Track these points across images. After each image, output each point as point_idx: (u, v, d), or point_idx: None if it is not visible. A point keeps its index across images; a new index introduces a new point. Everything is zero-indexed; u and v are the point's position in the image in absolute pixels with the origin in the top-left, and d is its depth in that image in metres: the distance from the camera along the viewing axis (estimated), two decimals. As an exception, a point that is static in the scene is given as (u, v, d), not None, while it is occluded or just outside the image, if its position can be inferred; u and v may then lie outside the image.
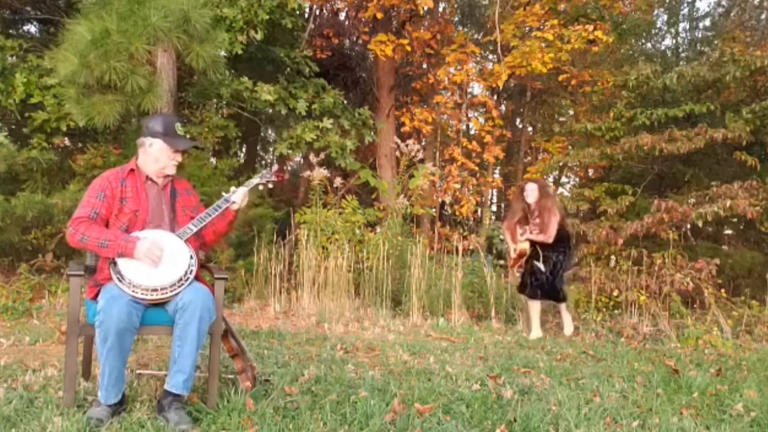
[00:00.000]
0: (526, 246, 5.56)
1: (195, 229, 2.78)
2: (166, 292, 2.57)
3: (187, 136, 3.02)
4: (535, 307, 5.60)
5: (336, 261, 6.27)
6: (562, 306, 5.66)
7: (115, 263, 2.58)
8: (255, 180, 3.09)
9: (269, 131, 13.61)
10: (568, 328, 5.62)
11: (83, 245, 2.63)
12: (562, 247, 5.54)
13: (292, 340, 4.64)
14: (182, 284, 2.60)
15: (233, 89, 7.81)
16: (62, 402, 2.60)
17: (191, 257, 2.68)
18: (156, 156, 2.81)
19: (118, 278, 2.55)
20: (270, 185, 3.15)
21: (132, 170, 2.84)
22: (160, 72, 5.78)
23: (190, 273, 2.64)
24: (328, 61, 10.32)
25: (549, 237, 5.47)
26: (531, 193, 5.61)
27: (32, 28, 9.67)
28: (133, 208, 2.75)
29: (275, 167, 3.21)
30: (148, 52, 5.52)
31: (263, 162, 15.76)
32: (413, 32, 10.36)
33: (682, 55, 14.07)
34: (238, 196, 2.92)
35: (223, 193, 2.96)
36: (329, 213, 6.91)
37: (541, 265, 5.47)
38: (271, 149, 15.48)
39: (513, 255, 5.68)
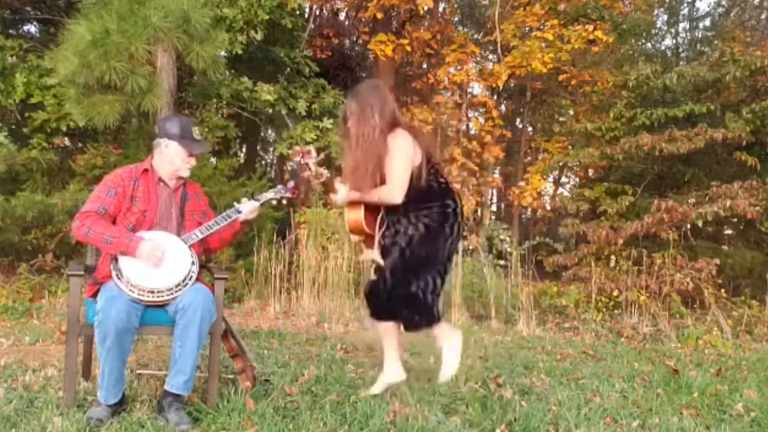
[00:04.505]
0: (357, 215, 2.94)
1: (201, 236, 2.79)
2: (163, 295, 2.57)
3: (201, 135, 3.02)
4: (383, 332, 3.08)
5: (336, 261, 6.27)
6: (436, 331, 2.99)
7: (116, 260, 2.59)
8: (269, 194, 3.07)
9: (269, 131, 13.61)
10: (446, 368, 2.96)
11: (87, 239, 2.64)
12: (428, 209, 2.85)
13: (292, 340, 4.63)
14: (180, 289, 2.60)
15: (233, 89, 7.81)
16: (62, 402, 2.60)
17: (193, 263, 2.68)
18: (171, 158, 2.81)
19: (117, 275, 2.55)
20: (284, 201, 3.13)
21: (146, 170, 2.84)
22: (160, 72, 5.78)
23: (190, 279, 2.64)
24: (328, 61, 10.33)
25: (394, 193, 2.82)
26: (347, 110, 2.98)
27: (32, 28, 9.69)
28: (142, 208, 2.76)
29: (291, 183, 3.13)
30: (148, 52, 5.52)
31: (263, 162, 15.77)
32: (413, 32, 10.37)
33: (682, 55, 14.08)
34: (249, 209, 2.92)
35: (235, 203, 2.96)
36: (329, 213, 6.91)
37: (374, 253, 2.95)
38: (271, 149, 15.48)
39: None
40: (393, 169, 2.80)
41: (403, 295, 2.87)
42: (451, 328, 3.08)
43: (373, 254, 2.97)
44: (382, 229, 2.94)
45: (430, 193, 2.87)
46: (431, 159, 2.90)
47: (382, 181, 2.85)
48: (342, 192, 2.98)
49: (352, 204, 2.97)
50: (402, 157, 2.80)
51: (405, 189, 2.80)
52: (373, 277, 3.03)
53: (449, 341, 2.97)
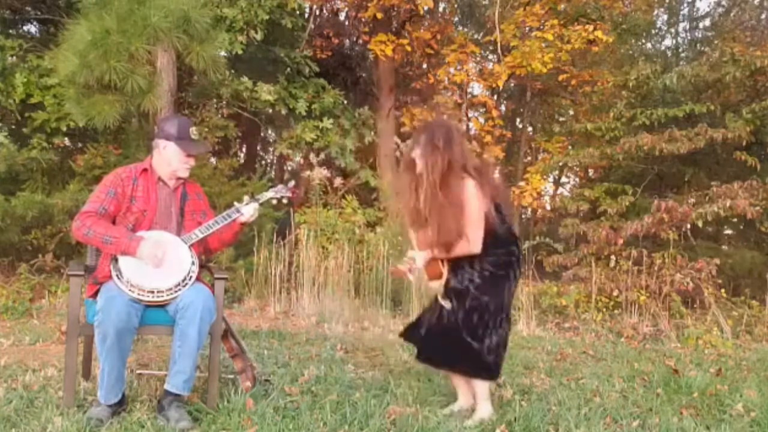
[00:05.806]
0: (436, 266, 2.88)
1: (201, 236, 2.79)
2: (163, 296, 2.57)
3: (200, 135, 3.01)
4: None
5: (336, 261, 6.27)
6: (478, 386, 2.86)
7: (116, 260, 2.59)
8: (269, 194, 3.07)
9: (269, 131, 13.60)
10: (478, 412, 2.84)
11: (87, 239, 2.64)
12: (493, 255, 2.80)
13: (292, 340, 4.63)
14: (180, 289, 2.60)
15: (233, 89, 7.82)
16: (62, 402, 2.60)
17: (193, 263, 2.68)
18: (168, 159, 2.82)
19: (117, 275, 2.55)
20: (284, 200, 3.12)
21: (145, 170, 2.84)
22: (160, 72, 5.78)
23: (189, 279, 2.64)
24: (328, 61, 10.32)
25: (473, 245, 2.74)
26: (416, 154, 2.85)
27: (32, 28, 9.67)
28: (141, 208, 2.76)
29: (291, 183, 3.16)
30: (148, 52, 5.53)
31: (263, 162, 15.76)
32: (413, 32, 10.35)
33: (682, 55, 14.05)
34: (249, 209, 2.90)
35: (235, 203, 2.95)
36: (329, 213, 6.91)
37: (444, 301, 2.84)
38: (271, 149, 15.48)
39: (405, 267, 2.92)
40: (467, 223, 2.71)
41: (461, 344, 2.76)
42: (487, 399, 2.87)
43: (438, 289, 2.87)
44: (447, 267, 2.87)
45: (495, 239, 2.78)
46: (496, 200, 2.82)
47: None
48: (420, 257, 2.89)
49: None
50: (475, 209, 2.71)
51: (482, 239, 2.74)
52: (431, 318, 2.92)
53: (480, 407, 2.84)
